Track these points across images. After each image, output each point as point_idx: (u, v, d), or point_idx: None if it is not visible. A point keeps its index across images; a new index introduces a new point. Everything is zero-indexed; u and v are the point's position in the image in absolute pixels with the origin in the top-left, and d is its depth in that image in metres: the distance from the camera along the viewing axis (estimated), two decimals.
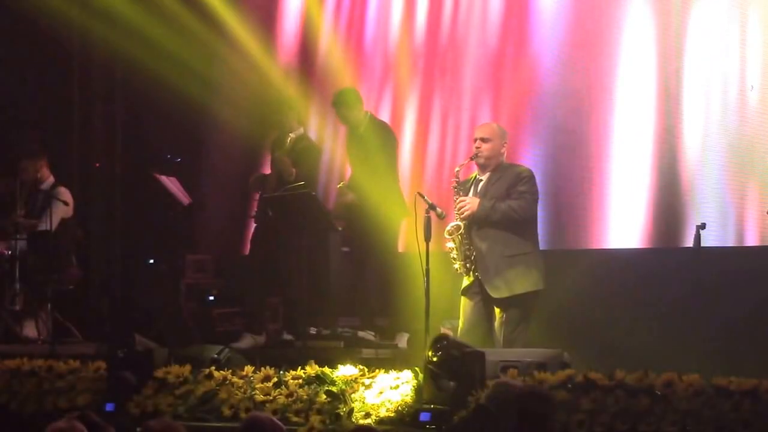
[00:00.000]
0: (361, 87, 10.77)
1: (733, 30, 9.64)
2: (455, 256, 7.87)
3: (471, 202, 7.86)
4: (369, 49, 11.29)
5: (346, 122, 9.42)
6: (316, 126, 11.32)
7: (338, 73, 11.23)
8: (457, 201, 7.92)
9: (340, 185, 9.45)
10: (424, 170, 10.78)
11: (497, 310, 7.82)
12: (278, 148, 9.46)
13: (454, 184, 8.01)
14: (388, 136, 9.35)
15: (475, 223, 7.86)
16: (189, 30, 11.49)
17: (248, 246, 9.90)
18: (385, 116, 10.45)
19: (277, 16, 11.71)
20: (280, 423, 5.04)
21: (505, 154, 8.10)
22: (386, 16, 11.22)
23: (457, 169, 8.12)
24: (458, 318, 8.07)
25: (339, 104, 9.37)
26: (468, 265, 7.84)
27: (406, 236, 9.18)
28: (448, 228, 7.88)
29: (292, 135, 9.42)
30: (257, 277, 9.51)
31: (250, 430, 5.02)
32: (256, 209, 9.57)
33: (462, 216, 7.86)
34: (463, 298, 7.95)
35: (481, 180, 8.00)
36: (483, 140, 7.98)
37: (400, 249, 9.39)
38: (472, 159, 8.05)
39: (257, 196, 9.63)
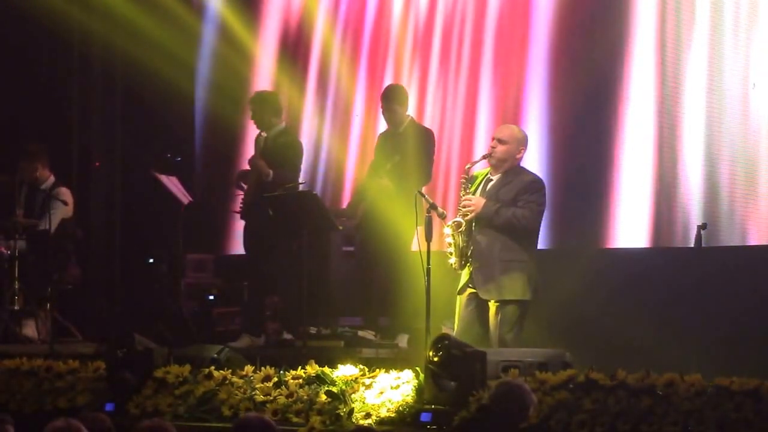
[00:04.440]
0: (361, 82, 10.80)
1: (736, 28, 9.63)
2: (452, 251, 7.81)
3: (476, 203, 7.76)
4: (368, 43, 11.28)
5: (392, 117, 9.32)
6: (315, 124, 11.33)
7: (337, 68, 11.24)
8: (463, 198, 7.85)
9: (391, 165, 9.17)
10: None
11: (492, 311, 7.75)
12: (256, 147, 9.40)
13: (463, 181, 7.92)
14: (429, 139, 9.29)
15: (477, 223, 7.81)
16: (188, 28, 11.52)
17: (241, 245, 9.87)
18: None
19: (276, 13, 11.72)
20: (270, 421, 5.00)
21: (522, 159, 7.96)
22: (385, 9, 11.21)
23: (467, 166, 8.00)
24: (454, 317, 8.03)
25: (392, 99, 9.30)
26: (463, 261, 7.79)
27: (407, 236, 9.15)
28: (450, 223, 7.81)
29: (263, 134, 9.36)
30: (251, 277, 9.49)
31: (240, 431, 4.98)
32: (240, 206, 9.51)
33: (465, 217, 7.79)
34: (458, 297, 7.90)
35: (492, 180, 7.91)
36: (500, 141, 7.81)
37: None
38: (485, 158, 7.95)
39: (241, 193, 9.53)
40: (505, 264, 7.72)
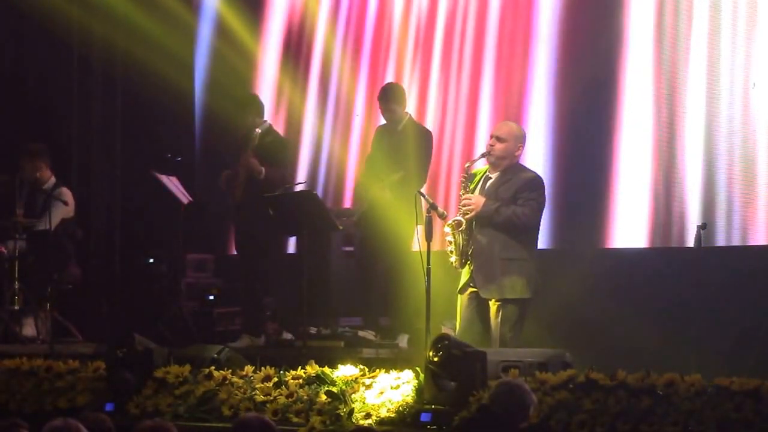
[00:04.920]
0: (362, 81, 10.79)
1: (737, 27, 9.62)
2: (452, 250, 7.81)
3: (476, 202, 7.76)
4: (369, 42, 11.28)
5: (390, 117, 9.32)
6: (316, 124, 11.32)
7: (338, 67, 11.23)
8: (463, 197, 7.85)
9: (398, 176, 9.10)
10: None
11: (493, 310, 7.75)
12: (245, 146, 9.38)
13: (462, 180, 7.91)
14: (428, 140, 9.29)
15: (477, 222, 7.80)
16: (189, 28, 11.51)
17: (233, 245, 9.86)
18: None
19: (277, 12, 11.72)
20: (270, 421, 4.99)
21: (521, 157, 7.96)
22: (386, 7, 11.21)
23: (467, 164, 8.01)
24: (455, 317, 8.03)
25: (389, 99, 9.28)
26: (464, 260, 7.79)
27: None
28: (450, 222, 7.81)
29: (258, 130, 9.36)
30: (245, 277, 9.48)
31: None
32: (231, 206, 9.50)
33: (465, 216, 7.79)
34: (459, 296, 7.90)
35: (490, 178, 7.90)
36: (498, 139, 7.81)
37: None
38: (483, 156, 7.94)
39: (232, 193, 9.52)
40: (505, 263, 7.71)
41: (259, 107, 9.52)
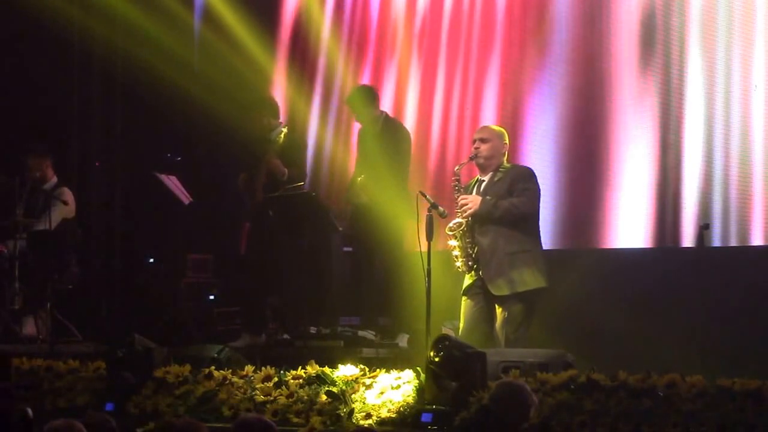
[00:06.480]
0: (362, 80, 10.78)
1: (737, 29, 9.62)
2: (457, 254, 7.84)
3: (473, 201, 7.84)
4: (373, 41, 11.27)
5: (360, 120, 9.35)
6: (316, 125, 11.32)
7: (337, 66, 11.23)
8: (459, 199, 7.89)
9: (360, 179, 9.27)
10: (425, 168, 10.76)
11: (499, 310, 7.79)
12: (263, 147, 9.34)
13: (455, 184, 7.97)
14: (403, 136, 9.30)
15: (477, 221, 7.84)
16: (189, 29, 11.51)
17: (244, 245, 9.82)
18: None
19: (276, 12, 11.72)
20: (270, 422, 4.98)
21: (507, 155, 8.06)
22: (389, 7, 11.21)
23: (457, 168, 8.09)
24: (459, 318, 8.03)
25: (353, 102, 9.30)
26: (470, 263, 7.82)
27: (408, 235, 9.13)
28: (450, 225, 7.85)
29: (284, 129, 9.34)
30: (254, 277, 9.47)
31: None
32: (250, 209, 9.49)
33: (464, 215, 7.83)
34: (463, 298, 7.92)
35: (483, 181, 7.98)
36: (482, 141, 7.97)
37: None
38: (471, 159, 8.03)
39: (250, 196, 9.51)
40: (511, 257, 7.78)
41: (274, 109, 9.49)
